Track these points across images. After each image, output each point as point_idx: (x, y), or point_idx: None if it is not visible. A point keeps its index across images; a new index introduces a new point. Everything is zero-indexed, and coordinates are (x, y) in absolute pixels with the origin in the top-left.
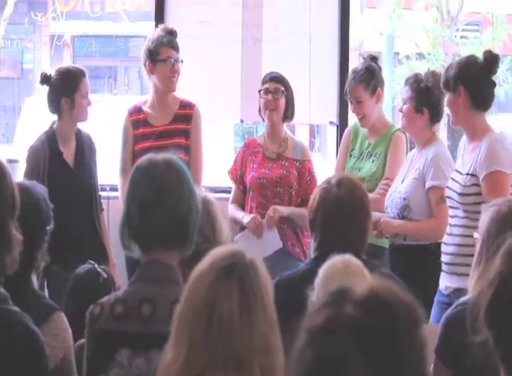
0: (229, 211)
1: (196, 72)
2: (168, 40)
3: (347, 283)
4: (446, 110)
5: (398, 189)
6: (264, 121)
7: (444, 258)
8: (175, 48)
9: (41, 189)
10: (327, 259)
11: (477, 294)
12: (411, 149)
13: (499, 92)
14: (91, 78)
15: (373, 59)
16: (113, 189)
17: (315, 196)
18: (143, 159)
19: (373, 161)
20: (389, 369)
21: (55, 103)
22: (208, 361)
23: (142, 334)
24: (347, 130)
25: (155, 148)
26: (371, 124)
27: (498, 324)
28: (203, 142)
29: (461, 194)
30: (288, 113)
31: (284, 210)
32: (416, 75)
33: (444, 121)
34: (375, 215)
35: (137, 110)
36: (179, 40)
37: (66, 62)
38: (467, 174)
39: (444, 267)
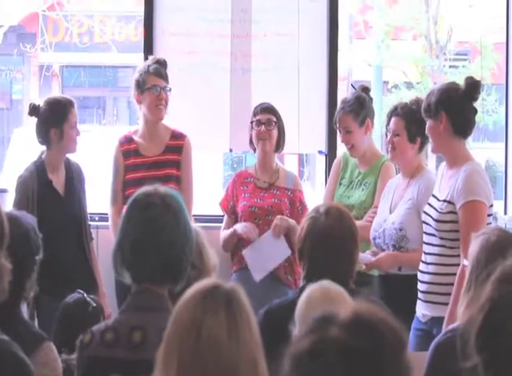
0: (221, 235)
1: (185, 102)
2: (155, 68)
3: (329, 309)
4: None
5: (391, 221)
6: (255, 151)
7: (420, 287)
8: (162, 76)
9: (30, 219)
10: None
11: (467, 321)
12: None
13: (488, 121)
14: (80, 108)
15: (365, 89)
16: (103, 218)
17: (303, 225)
18: (140, 193)
19: (362, 190)
20: None
21: (43, 134)
22: None
23: (132, 361)
24: (337, 159)
25: (146, 178)
26: (361, 154)
27: (487, 350)
28: (194, 173)
29: (437, 221)
30: (280, 144)
31: (290, 220)
32: (406, 104)
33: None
34: (365, 257)
35: (128, 140)
36: (168, 70)
37: (55, 92)
38: (444, 200)
39: (420, 295)
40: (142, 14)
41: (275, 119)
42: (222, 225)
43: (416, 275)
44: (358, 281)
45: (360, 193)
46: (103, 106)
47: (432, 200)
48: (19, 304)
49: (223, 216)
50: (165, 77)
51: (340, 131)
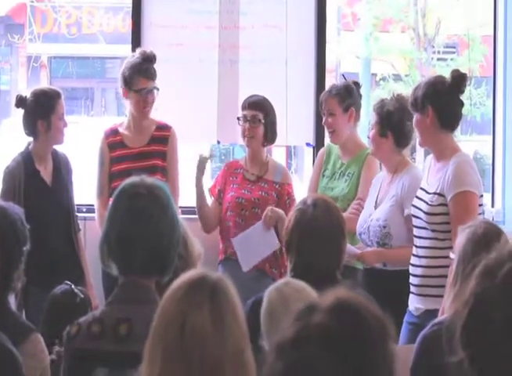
0: None
1: (173, 94)
2: (145, 69)
3: (294, 310)
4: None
5: (375, 217)
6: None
7: (412, 280)
8: (150, 77)
9: (17, 210)
10: (303, 280)
11: (453, 314)
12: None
13: (475, 113)
14: (68, 100)
15: (356, 83)
16: (90, 210)
17: (290, 217)
18: (126, 184)
19: (345, 181)
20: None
21: (30, 126)
22: (183, 372)
23: (118, 354)
24: (321, 151)
25: (132, 170)
26: (341, 141)
27: (473, 345)
28: (180, 164)
29: (428, 213)
30: (268, 138)
31: (281, 211)
32: (382, 100)
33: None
34: (351, 249)
35: (113, 132)
36: (156, 62)
37: (44, 83)
38: (434, 193)
39: (412, 289)
40: (130, 5)
41: (261, 115)
42: None
43: (401, 271)
44: (343, 274)
45: (343, 184)
46: (91, 97)
47: (421, 193)
48: (7, 295)
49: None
50: (154, 76)
51: (323, 114)
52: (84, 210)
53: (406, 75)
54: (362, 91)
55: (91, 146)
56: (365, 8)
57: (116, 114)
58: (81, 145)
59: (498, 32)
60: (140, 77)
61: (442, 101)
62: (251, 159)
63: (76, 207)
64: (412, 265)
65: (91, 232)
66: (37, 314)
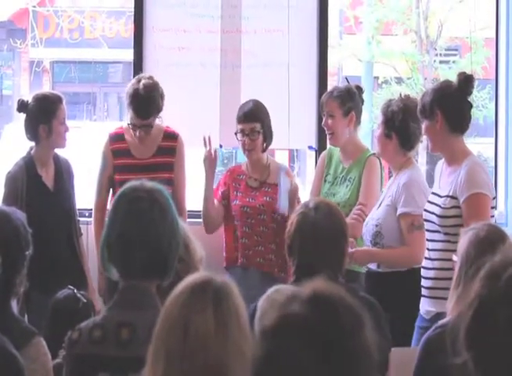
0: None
1: (175, 98)
2: (141, 111)
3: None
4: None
5: (373, 217)
6: None
7: (424, 283)
8: (146, 117)
9: (19, 215)
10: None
11: (457, 316)
12: (389, 174)
13: (478, 116)
14: (71, 104)
15: (358, 88)
16: (92, 214)
17: (292, 220)
18: (127, 187)
19: (347, 186)
20: (335, 364)
21: (32, 131)
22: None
23: (120, 358)
24: (322, 155)
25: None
26: (340, 144)
27: (477, 347)
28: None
29: (441, 216)
30: (267, 143)
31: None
32: (390, 100)
33: (423, 144)
34: None
35: (119, 138)
36: (158, 66)
37: (46, 88)
38: (447, 196)
39: (424, 291)
40: (133, 10)
41: (258, 126)
42: None
43: (401, 273)
44: (345, 277)
45: (345, 189)
46: (94, 101)
47: (433, 198)
48: (10, 299)
49: None
50: (151, 115)
51: (324, 115)
52: (87, 214)
53: (408, 78)
54: (365, 94)
55: (94, 150)
56: (367, 11)
57: (118, 119)
58: (84, 149)
59: (500, 35)
60: (138, 118)
61: (450, 104)
62: (253, 165)
63: (78, 211)
64: (425, 268)
65: (93, 236)
66: (39, 319)
